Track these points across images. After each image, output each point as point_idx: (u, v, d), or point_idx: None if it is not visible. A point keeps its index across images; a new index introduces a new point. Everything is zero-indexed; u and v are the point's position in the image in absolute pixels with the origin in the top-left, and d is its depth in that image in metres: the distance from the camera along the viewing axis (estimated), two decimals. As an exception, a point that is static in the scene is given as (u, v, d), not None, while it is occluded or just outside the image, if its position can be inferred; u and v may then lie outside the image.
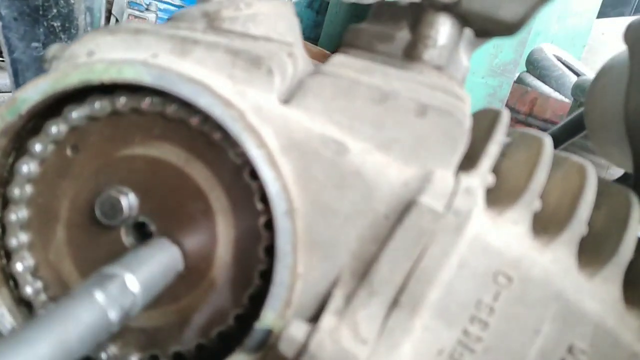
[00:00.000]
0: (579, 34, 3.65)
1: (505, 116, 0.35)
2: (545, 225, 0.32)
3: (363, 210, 0.30)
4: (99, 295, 0.25)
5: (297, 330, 0.28)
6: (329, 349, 0.28)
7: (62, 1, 0.60)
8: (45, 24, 0.60)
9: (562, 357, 0.29)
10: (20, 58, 0.61)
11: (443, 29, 0.35)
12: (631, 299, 0.31)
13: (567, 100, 2.57)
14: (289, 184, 0.30)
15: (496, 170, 0.34)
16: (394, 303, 0.29)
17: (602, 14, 3.60)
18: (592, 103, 0.50)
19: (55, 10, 0.60)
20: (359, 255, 0.30)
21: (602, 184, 0.35)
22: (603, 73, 0.50)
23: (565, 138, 0.56)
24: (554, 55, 2.89)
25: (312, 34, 3.65)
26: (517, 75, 2.90)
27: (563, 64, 2.87)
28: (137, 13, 3.37)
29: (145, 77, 0.30)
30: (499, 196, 0.32)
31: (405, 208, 0.29)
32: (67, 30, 0.62)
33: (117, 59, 0.31)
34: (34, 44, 0.61)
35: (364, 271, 0.29)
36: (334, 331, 0.28)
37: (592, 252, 0.32)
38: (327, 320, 0.28)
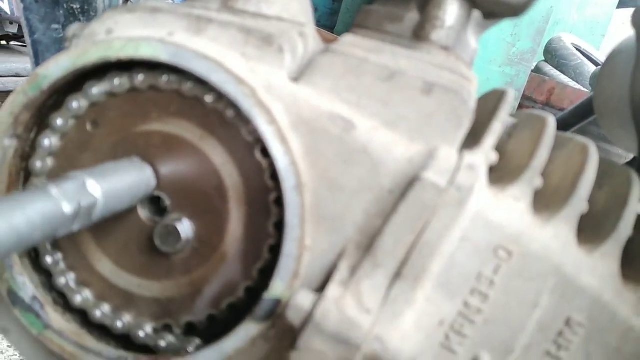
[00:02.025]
0: (598, 23, 3.62)
1: (510, 95, 0.36)
2: (547, 202, 0.33)
3: (369, 185, 0.31)
4: (53, 190, 0.26)
5: (304, 299, 0.30)
6: (333, 317, 0.29)
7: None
8: (65, 6, 0.61)
9: (560, 330, 0.30)
10: (40, 39, 0.62)
11: (451, 10, 0.36)
12: (629, 275, 0.32)
13: (585, 89, 2.55)
14: (298, 160, 0.31)
15: (501, 149, 0.35)
16: (397, 275, 0.30)
17: (622, 3, 3.56)
18: (600, 87, 0.51)
19: (74, -6, 0.61)
20: (364, 229, 0.31)
21: (606, 164, 0.36)
22: (611, 57, 0.51)
23: (575, 122, 0.57)
24: (573, 44, 2.87)
25: (328, 22, 3.65)
26: (534, 64, 2.88)
27: (582, 53, 2.85)
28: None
29: (161, 55, 0.32)
30: (502, 174, 0.33)
31: (409, 183, 0.30)
32: (86, 12, 0.63)
33: (135, 36, 0.33)
34: (54, 26, 0.62)
35: (368, 244, 0.31)
36: (339, 300, 0.29)
37: (592, 229, 0.33)
38: (333, 290, 0.30)
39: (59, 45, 0.63)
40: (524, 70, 2.68)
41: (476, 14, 0.39)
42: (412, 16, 0.37)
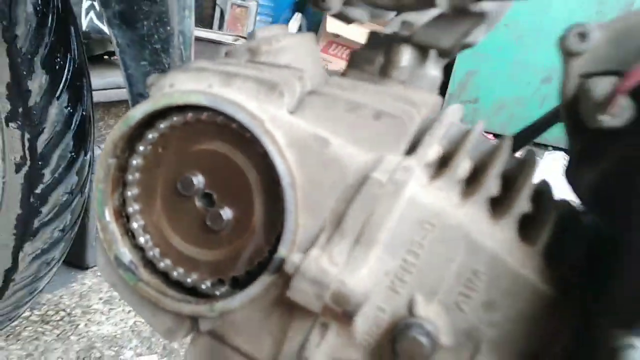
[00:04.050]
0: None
1: (453, 112, 0.50)
2: (471, 189, 0.47)
3: (338, 182, 0.46)
4: None
5: (296, 258, 0.46)
6: (313, 268, 0.45)
7: (161, 29, 0.79)
8: (149, 47, 0.80)
9: (469, 277, 0.45)
10: (132, 73, 0.82)
11: (405, 55, 0.50)
12: (526, 239, 0.45)
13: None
14: (292, 166, 0.47)
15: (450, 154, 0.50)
16: (356, 242, 0.45)
17: None
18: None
19: (156, 37, 0.80)
20: (336, 212, 0.46)
21: (529, 154, 0.49)
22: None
23: (545, 128, 0.67)
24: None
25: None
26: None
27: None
28: (239, 2, 3.63)
29: (203, 101, 0.48)
30: (440, 171, 0.47)
31: (364, 180, 0.45)
32: (166, 50, 0.82)
33: (187, 89, 0.50)
34: (142, 63, 0.81)
35: (338, 222, 0.46)
36: (317, 258, 0.45)
37: (501, 206, 0.46)
38: (314, 252, 0.45)
39: (146, 76, 0.82)
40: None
41: (433, 52, 0.53)
42: (379, 59, 0.52)
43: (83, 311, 1.55)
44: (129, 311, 1.61)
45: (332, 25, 4.84)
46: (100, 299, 1.62)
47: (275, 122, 0.48)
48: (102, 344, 1.44)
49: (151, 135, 0.52)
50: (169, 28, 0.80)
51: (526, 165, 0.48)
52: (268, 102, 0.48)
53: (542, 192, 0.48)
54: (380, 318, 0.47)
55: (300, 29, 4.53)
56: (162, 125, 0.51)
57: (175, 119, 0.51)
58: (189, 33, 0.86)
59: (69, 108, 0.88)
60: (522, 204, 0.45)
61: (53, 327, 1.46)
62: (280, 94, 0.48)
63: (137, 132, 0.53)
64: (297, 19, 5.27)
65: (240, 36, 2.68)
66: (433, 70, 0.54)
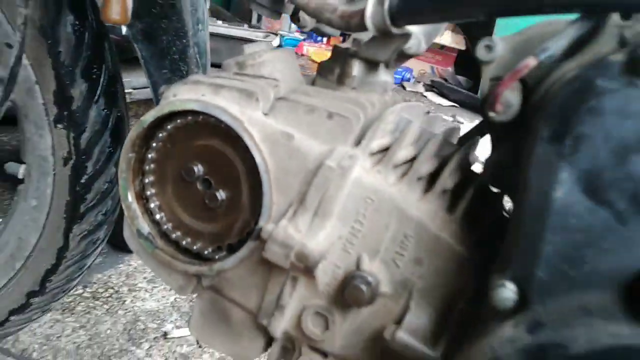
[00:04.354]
0: None
1: (395, 112, 0.63)
2: (405, 170, 0.59)
3: (302, 169, 0.60)
4: None
5: (269, 227, 0.59)
6: (281, 234, 0.58)
7: (178, 42, 0.94)
8: (169, 58, 0.95)
9: (402, 240, 0.57)
10: (156, 80, 0.97)
11: (354, 67, 0.63)
12: (449, 209, 0.58)
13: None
14: (266, 156, 0.61)
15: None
16: (315, 214, 0.58)
17: None
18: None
19: (174, 49, 0.94)
20: (300, 192, 0.60)
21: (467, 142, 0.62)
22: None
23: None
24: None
25: None
26: None
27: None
28: None
29: (197, 107, 0.62)
30: (381, 158, 0.60)
31: (320, 166, 0.58)
32: (183, 60, 0.96)
33: (185, 98, 0.64)
34: (164, 71, 0.96)
35: (302, 199, 0.59)
36: (285, 227, 0.59)
37: (430, 183, 0.59)
38: (283, 222, 0.59)
39: (167, 82, 0.96)
40: None
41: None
42: (337, 70, 0.65)
43: (129, 289, 1.73)
44: (170, 289, 1.78)
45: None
46: (145, 278, 1.80)
47: (252, 122, 0.61)
48: (145, 317, 1.61)
49: (161, 135, 0.66)
50: (184, 41, 0.95)
51: (456, 150, 0.60)
52: (247, 107, 0.62)
53: (468, 169, 0.60)
54: (336, 273, 0.60)
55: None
56: (169, 126, 0.66)
57: (178, 121, 0.65)
58: (203, 44, 1.00)
59: (105, 110, 1.04)
60: (444, 181, 0.58)
61: (103, 302, 1.64)
62: (257, 100, 0.61)
63: (150, 132, 0.67)
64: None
65: (272, 32, 2.81)
66: (384, 76, 0.66)
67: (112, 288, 1.72)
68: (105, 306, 1.63)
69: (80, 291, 1.66)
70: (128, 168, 0.68)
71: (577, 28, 0.47)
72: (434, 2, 0.53)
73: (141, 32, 0.92)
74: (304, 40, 5.62)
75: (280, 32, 5.15)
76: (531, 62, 0.47)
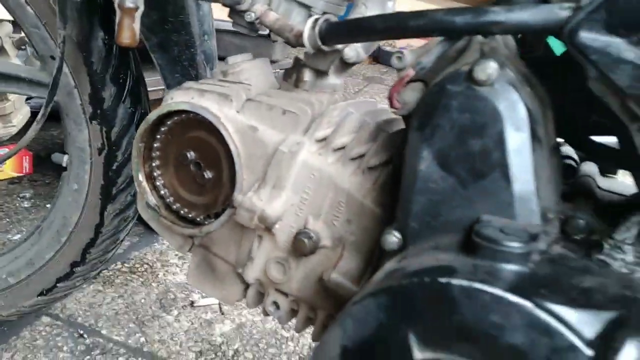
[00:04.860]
0: None
1: (339, 108, 0.81)
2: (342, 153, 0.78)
3: (263, 153, 0.79)
4: None
5: (239, 197, 0.79)
6: (248, 202, 0.77)
7: (187, 52, 1.14)
8: (180, 65, 1.15)
9: (337, 205, 0.76)
10: (170, 83, 1.17)
11: (305, 74, 0.82)
12: (373, 182, 0.76)
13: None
14: (238, 145, 0.80)
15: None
16: (273, 187, 0.77)
17: None
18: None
19: (184, 57, 1.15)
20: (263, 171, 0.79)
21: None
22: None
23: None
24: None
25: None
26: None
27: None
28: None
29: (187, 107, 0.82)
30: (324, 144, 0.79)
31: (276, 151, 0.77)
32: (192, 66, 1.16)
33: (179, 100, 0.83)
34: (176, 75, 1.16)
35: (264, 176, 0.78)
36: (251, 197, 0.78)
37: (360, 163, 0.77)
38: (249, 194, 0.78)
39: (180, 84, 1.17)
40: None
41: (333, 67, 0.84)
42: (294, 75, 0.83)
43: (162, 264, 1.96)
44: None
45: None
46: (176, 255, 2.02)
47: (227, 118, 0.80)
48: (175, 288, 1.84)
49: (162, 129, 0.87)
50: (193, 50, 1.15)
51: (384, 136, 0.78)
52: (224, 106, 0.81)
53: (391, 150, 0.78)
54: (291, 232, 0.79)
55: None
56: (168, 122, 0.86)
57: (175, 118, 0.85)
58: (210, 51, 1.20)
59: (131, 108, 1.25)
60: (367, 161, 0.76)
61: (139, 276, 1.87)
62: (231, 101, 0.81)
63: (154, 127, 0.87)
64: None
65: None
66: (333, 80, 0.84)
67: (147, 264, 1.95)
68: (141, 279, 1.86)
69: (120, 266, 1.90)
70: (139, 155, 0.88)
71: (442, 47, 0.65)
72: (349, 30, 0.71)
73: (156, 45, 1.13)
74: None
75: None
76: (410, 73, 0.65)
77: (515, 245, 0.52)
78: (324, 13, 0.87)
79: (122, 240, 1.45)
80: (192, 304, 1.78)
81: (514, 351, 0.47)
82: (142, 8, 0.82)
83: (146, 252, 2.00)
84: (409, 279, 0.52)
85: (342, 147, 0.78)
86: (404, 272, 0.55)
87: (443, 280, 0.50)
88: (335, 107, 0.80)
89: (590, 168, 0.80)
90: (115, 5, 0.82)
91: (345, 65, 0.84)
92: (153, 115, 0.85)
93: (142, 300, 1.76)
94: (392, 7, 0.83)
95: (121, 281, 1.83)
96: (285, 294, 0.82)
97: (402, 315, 0.52)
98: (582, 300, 0.49)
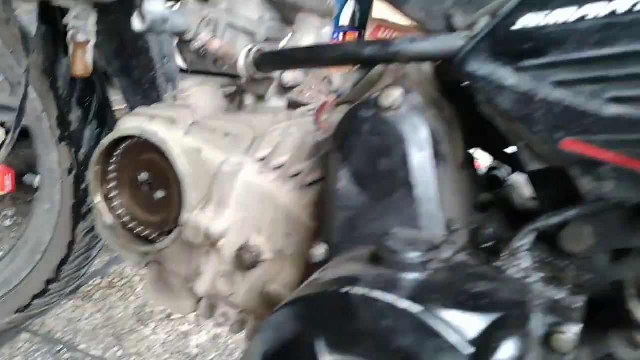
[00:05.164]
0: None
1: (277, 129, 0.86)
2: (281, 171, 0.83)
3: (208, 173, 0.84)
4: None
5: (187, 216, 0.84)
6: (194, 220, 0.83)
7: (147, 75, 1.19)
8: (141, 86, 1.21)
9: (276, 220, 0.81)
10: (133, 105, 1.23)
11: (247, 98, 0.87)
12: (309, 198, 0.81)
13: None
14: (184, 166, 0.85)
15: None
16: (217, 205, 0.83)
17: None
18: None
19: (144, 80, 1.20)
20: (208, 190, 0.84)
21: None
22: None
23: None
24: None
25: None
26: None
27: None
28: None
29: (136, 133, 0.87)
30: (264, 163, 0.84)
31: (219, 170, 0.83)
32: (153, 88, 1.22)
33: (128, 126, 0.89)
34: (138, 97, 1.22)
35: (209, 195, 0.84)
36: (197, 215, 0.83)
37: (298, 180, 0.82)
38: (195, 212, 0.83)
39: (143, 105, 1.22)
40: None
41: (273, 91, 0.89)
42: (238, 99, 0.89)
43: (140, 278, 2.00)
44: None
45: (377, 12, 5.20)
46: (155, 269, 2.07)
47: (174, 141, 0.86)
48: (153, 302, 1.89)
49: (117, 152, 0.92)
50: (153, 73, 1.20)
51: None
52: (171, 129, 0.87)
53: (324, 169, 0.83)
54: (235, 247, 0.84)
55: (354, 14, 4.93)
56: (121, 146, 0.91)
57: (127, 142, 0.90)
58: (171, 72, 1.26)
59: (98, 130, 1.31)
60: (302, 179, 0.81)
61: (117, 290, 1.92)
62: (177, 124, 0.86)
63: (109, 151, 0.93)
64: (350, 5, 5.64)
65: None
66: (275, 102, 0.90)
67: (126, 277, 1.99)
68: (119, 293, 1.91)
69: (99, 281, 1.95)
70: (96, 177, 0.94)
71: (358, 74, 0.71)
72: (277, 59, 0.77)
73: (117, 69, 1.18)
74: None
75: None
76: (330, 99, 0.71)
77: (414, 256, 0.57)
78: (267, 39, 0.93)
79: (94, 257, 1.50)
80: (169, 316, 1.83)
81: (405, 353, 0.52)
82: (93, 41, 0.88)
83: (125, 267, 2.05)
84: (318, 289, 0.57)
85: (282, 166, 0.83)
86: (317, 283, 0.60)
87: (345, 289, 0.55)
88: (276, 128, 0.86)
89: (518, 178, 0.86)
90: (69, 39, 0.87)
91: (285, 89, 0.89)
92: (107, 141, 0.90)
93: (120, 315, 1.81)
94: (327, 33, 0.88)
95: (100, 296, 1.88)
96: (234, 306, 0.87)
97: (312, 322, 0.57)
98: (469, 304, 0.54)
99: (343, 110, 0.76)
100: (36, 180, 1.39)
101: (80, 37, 0.86)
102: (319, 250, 0.70)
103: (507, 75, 0.57)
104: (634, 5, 0.51)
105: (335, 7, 0.86)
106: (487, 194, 0.82)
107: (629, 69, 0.52)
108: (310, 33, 0.87)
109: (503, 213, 0.75)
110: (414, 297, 0.53)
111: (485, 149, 0.81)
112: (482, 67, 0.58)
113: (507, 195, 0.79)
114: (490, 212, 0.73)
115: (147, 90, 1.22)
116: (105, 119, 1.32)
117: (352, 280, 0.57)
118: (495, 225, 0.68)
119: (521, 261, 0.63)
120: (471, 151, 0.78)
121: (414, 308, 0.52)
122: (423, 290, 0.55)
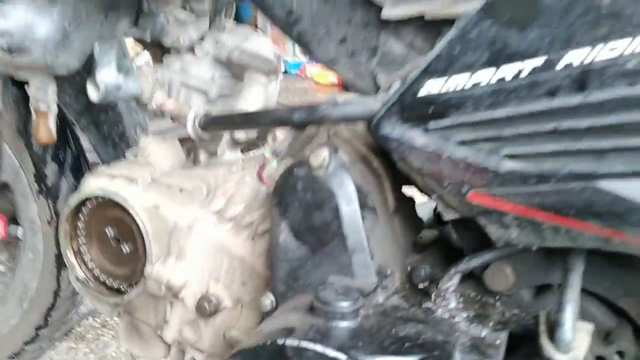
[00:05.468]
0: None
1: (231, 181, 0.92)
2: (236, 221, 0.88)
3: (167, 228, 0.89)
4: None
5: (149, 269, 0.89)
6: (156, 273, 0.88)
7: (116, 128, 1.25)
8: (111, 140, 1.26)
9: (232, 269, 0.86)
10: (104, 158, 1.28)
11: (201, 155, 0.93)
12: (263, 247, 0.86)
13: None
14: (145, 222, 0.90)
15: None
16: (177, 258, 0.88)
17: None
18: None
19: (114, 134, 1.26)
20: (167, 244, 0.89)
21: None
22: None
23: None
24: None
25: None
26: None
27: None
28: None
29: (99, 193, 0.93)
30: (220, 215, 0.89)
31: (175, 224, 0.88)
32: (123, 141, 1.27)
33: (92, 187, 0.94)
34: (108, 149, 1.28)
35: (168, 249, 0.89)
36: (158, 268, 0.88)
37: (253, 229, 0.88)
38: (157, 265, 0.88)
39: (114, 158, 1.27)
40: None
41: (226, 146, 0.95)
42: (192, 158, 0.94)
43: (132, 316, 2.05)
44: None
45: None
46: (146, 305, 2.12)
47: (134, 198, 0.91)
48: (128, 349, 1.93)
49: (84, 210, 0.97)
50: (121, 126, 1.26)
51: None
52: (131, 188, 0.92)
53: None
54: (196, 296, 0.89)
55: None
56: (87, 204, 0.96)
57: (93, 200, 0.96)
58: (144, 122, 1.32)
59: (74, 182, 1.36)
60: (255, 228, 0.86)
61: (110, 329, 1.97)
62: (137, 182, 0.92)
63: (76, 209, 0.98)
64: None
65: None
66: (229, 156, 0.96)
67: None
68: (112, 332, 1.95)
69: (92, 322, 1.99)
70: (66, 235, 0.99)
71: (292, 134, 0.76)
72: (220, 122, 0.82)
73: (86, 125, 1.24)
74: (307, 63, 5.87)
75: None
76: (268, 158, 0.76)
77: (345, 305, 0.62)
78: (221, 95, 0.98)
79: (80, 302, 1.55)
80: (160, 352, 1.87)
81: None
82: (55, 109, 0.93)
83: (117, 305, 2.09)
84: (258, 340, 0.62)
85: (236, 216, 0.89)
86: (259, 334, 0.65)
87: (281, 341, 0.60)
88: (230, 179, 0.91)
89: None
90: (31, 109, 0.93)
91: (237, 143, 0.95)
92: (72, 201, 0.95)
93: (113, 354, 1.85)
94: (275, 88, 0.94)
95: (93, 336, 1.92)
96: (201, 351, 0.92)
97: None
98: (393, 348, 0.59)
99: (284, 165, 0.81)
100: (19, 232, 1.44)
101: (42, 107, 0.91)
102: (266, 300, 0.75)
103: (416, 137, 0.62)
104: (519, 72, 0.56)
105: (280, 67, 0.92)
106: (433, 230, 0.87)
107: (520, 129, 0.57)
108: (258, 89, 0.92)
109: (442, 252, 0.80)
110: (341, 346, 0.58)
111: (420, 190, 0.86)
112: (394, 130, 0.63)
113: (447, 234, 0.84)
114: (427, 252, 0.78)
115: (117, 144, 1.27)
116: (81, 169, 1.37)
117: (289, 332, 0.62)
118: (429, 265, 0.73)
119: (449, 301, 0.68)
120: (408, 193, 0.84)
121: (340, 356, 0.57)
122: (351, 337, 0.60)
